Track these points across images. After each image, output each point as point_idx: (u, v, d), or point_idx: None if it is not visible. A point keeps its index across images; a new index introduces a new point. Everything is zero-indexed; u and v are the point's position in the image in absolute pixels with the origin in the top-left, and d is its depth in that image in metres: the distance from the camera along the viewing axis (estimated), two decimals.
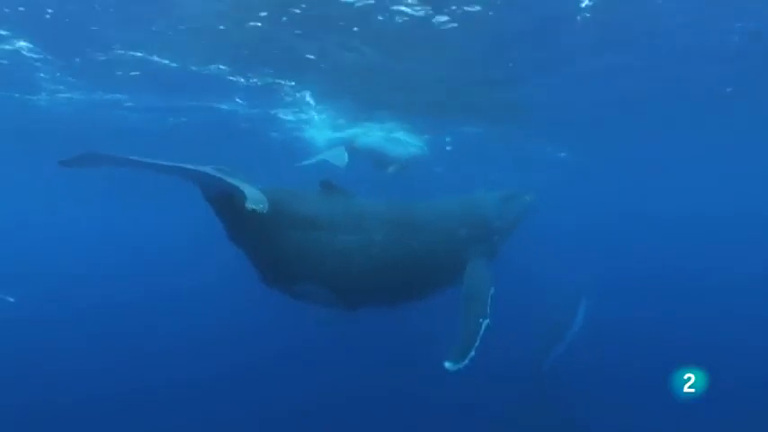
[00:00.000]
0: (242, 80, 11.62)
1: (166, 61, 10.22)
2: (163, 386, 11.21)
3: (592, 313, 11.59)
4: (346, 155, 12.48)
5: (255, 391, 11.39)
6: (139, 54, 9.97)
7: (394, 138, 14.69)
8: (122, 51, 9.90)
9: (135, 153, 5.50)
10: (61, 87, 12.31)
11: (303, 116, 14.78)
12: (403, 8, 7.78)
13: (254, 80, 11.68)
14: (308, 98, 13.10)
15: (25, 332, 13.48)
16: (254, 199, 4.99)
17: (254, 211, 4.87)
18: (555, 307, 11.59)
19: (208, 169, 5.52)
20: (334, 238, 6.08)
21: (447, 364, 4.98)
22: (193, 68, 10.65)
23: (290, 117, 14.93)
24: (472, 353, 5.04)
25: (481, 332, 5.27)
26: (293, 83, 12.11)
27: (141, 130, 16.00)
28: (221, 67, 10.75)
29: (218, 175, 5.32)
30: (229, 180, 5.27)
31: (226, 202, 5.66)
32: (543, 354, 10.86)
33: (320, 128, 15.47)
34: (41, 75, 11.26)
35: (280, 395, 10.99)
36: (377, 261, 6.13)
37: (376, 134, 14.72)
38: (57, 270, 21.02)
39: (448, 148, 17.20)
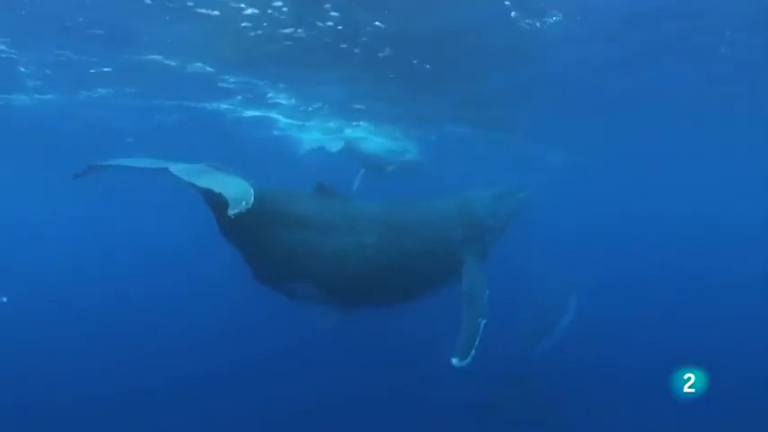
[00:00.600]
0: (227, 79, 11.68)
1: (148, 58, 10.25)
2: (162, 386, 11.19)
3: (582, 310, 11.62)
4: (342, 143, 12.56)
5: (255, 390, 11.37)
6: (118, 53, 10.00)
7: (390, 144, 14.83)
8: (104, 53, 9.94)
9: (124, 154, 5.58)
10: (39, 84, 12.23)
11: (286, 117, 14.93)
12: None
13: (238, 80, 11.74)
14: (290, 100, 13.19)
15: (21, 332, 13.44)
16: (236, 200, 4.98)
17: (238, 214, 4.91)
18: (545, 302, 11.64)
19: (198, 168, 5.59)
20: (327, 240, 6.10)
21: (454, 361, 5.22)
22: (176, 66, 10.69)
23: (274, 117, 15.04)
24: (473, 351, 5.27)
25: (481, 332, 5.46)
26: (276, 85, 12.20)
27: (125, 129, 16.05)
28: (206, 67, 10.79)
29: (198, 183, 5.37)
30: (210, 186, 5.29)
31: (219, 201, 5.67)
32: (531, 348, 10.92)
33: (307, 129, 15.69)
34: (21, 69, 11.18)
35: (280, 395, 10.97)
36: (370, 263, 6.17)
37: (374, 140, 14.86)
38: (53, 269, 20.96)
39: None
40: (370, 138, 15.16)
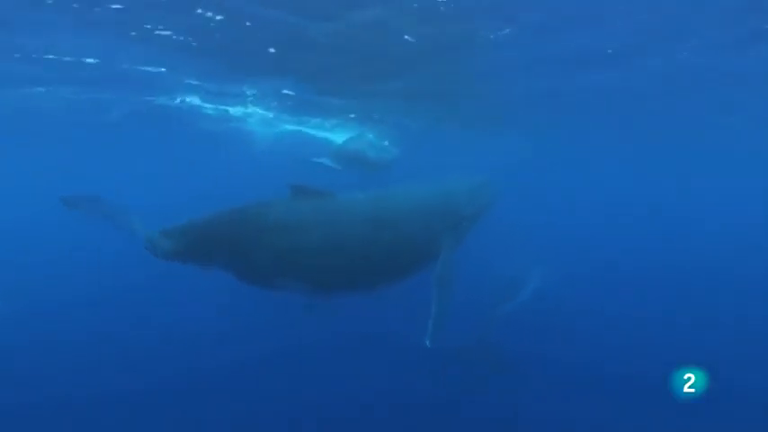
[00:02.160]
0: (183, 77, 11.55)
1: (92, 60, 10.11)
2: (156, 384, 11.10)
3: (544, 291, 11.68)
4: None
5: (253, 388, 11.24)
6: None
7: (376, 144, 15.11)
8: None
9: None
10: None
11: (245, 110, 15.03)
12: None
13: (195, 78, 11.62)
14: (250, 92, 13.21)
15: (13, 331, 13.26)
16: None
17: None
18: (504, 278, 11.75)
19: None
20: (312, 238, 6.25)
21: (427, 342, 5.76)
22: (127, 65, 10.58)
23: (232, 110, 15.09)
24: (442, 334, 5.78)
25: (448, 316, 5.94)
26: (234, 79, 12.10)
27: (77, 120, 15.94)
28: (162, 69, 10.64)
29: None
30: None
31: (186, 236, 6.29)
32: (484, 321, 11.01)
33: (265, 121, 16.00)
34: None
35: (278, 393, 10.86)
36: (355, 255, 6.37)
37: (361, 140, 15.17)
38: (44, 262, 20.72)
39: None
40: (358, 141, 15.42)
